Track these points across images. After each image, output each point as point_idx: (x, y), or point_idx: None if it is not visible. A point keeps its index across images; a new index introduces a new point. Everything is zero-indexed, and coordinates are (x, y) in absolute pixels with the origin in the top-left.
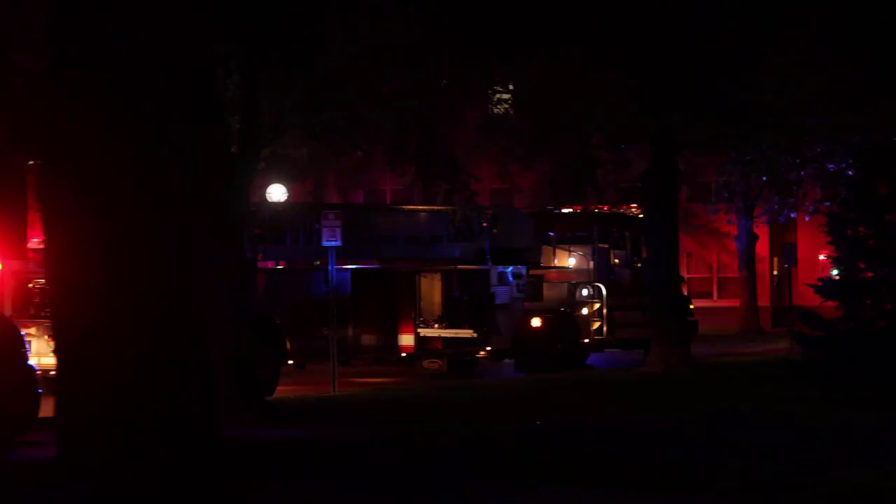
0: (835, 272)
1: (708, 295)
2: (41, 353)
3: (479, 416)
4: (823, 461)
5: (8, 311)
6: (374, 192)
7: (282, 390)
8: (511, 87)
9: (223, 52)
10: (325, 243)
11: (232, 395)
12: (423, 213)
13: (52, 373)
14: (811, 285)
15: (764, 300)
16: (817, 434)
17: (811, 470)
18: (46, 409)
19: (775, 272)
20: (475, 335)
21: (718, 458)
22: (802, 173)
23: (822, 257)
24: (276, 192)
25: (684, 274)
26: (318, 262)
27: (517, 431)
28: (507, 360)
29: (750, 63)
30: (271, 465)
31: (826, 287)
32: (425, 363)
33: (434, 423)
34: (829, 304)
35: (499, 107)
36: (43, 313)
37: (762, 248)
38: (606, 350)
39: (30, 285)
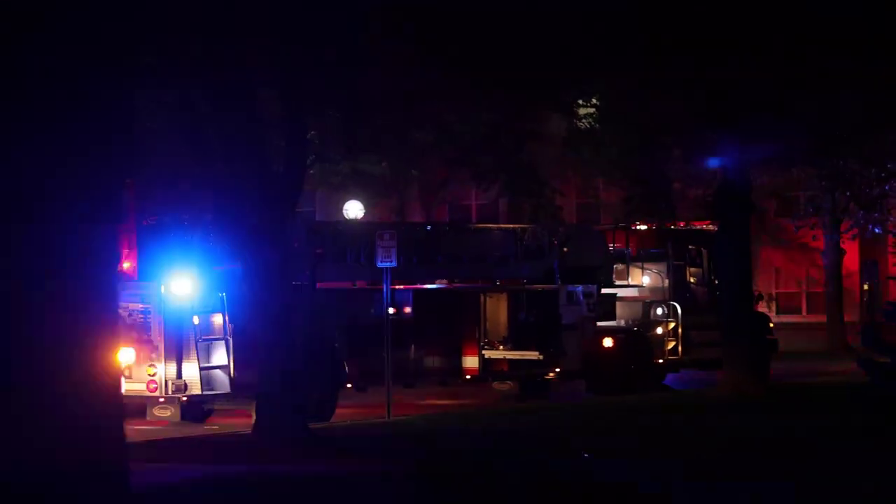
0: None
1: (797, 310)
2: None
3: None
4: None
5: None
6: (459, 208)
7: (341, 413)
8: (595, 100)
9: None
10: (379, 264)
11: (271, 425)
12: (489, 232)
13: None
14: (881, 309)
15: (853, 316)
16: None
17: None
18: None
19: (865, 287)
20: (541, 357)
21: None
22: (887, 187)
23: None
24: (353, 209)
25: (773, 290)
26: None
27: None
28: (578, 381)
29: (823, 73)
30: None
31: (893, 310)
32: (495, 385)
33: (474, 454)
34: None
35: (583, 121)
36: None
37: (852, 262)
38: (682, 370)
39: None
